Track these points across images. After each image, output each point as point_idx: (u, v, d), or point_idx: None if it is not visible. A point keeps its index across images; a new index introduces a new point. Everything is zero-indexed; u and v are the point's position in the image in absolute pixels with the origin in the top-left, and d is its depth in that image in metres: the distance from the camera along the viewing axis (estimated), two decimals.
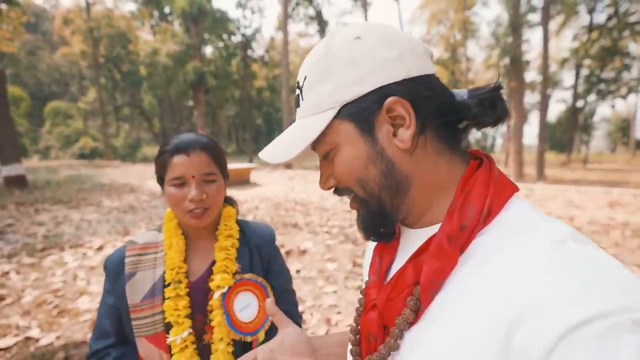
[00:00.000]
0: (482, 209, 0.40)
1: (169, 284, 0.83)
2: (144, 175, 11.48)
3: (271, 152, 0.49)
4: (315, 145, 0.47)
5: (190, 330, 0.82)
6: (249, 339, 0.85)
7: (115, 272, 0.84)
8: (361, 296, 0.52)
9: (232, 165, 8.75)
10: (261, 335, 0.86)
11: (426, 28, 27.53)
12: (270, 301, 0.60)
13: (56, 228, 4.87)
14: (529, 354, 0.30)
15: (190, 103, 27.93)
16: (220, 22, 23.29)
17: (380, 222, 0.46)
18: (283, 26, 17.07)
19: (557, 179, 14.29)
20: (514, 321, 0.32)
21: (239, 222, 0.97)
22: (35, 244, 4.13)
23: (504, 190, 0.42)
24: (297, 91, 0.48)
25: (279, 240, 4.06)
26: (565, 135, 29.07)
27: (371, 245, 0.61)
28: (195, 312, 0.84)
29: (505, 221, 0.40)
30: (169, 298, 0.82)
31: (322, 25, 23.95)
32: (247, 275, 0.88)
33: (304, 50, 29.26)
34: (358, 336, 0.50)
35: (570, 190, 8.13)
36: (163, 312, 0.81)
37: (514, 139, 13.51)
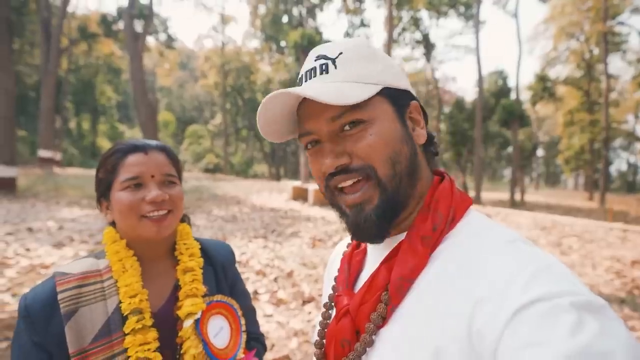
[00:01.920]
0: (448, 215, 0.46)
1: (126, 317, 0.68)
2: (250, 189, 12.79)
3: (318, 91, 0.43)
4: (345, 113, 0.45)
5: None
6: None
7: (44, 315, 0.65)
8: (324, 309, 0.55)
9: None
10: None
11: (552, 44, 24.25)
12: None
13: None
14: (488, 332, 0.35)
15: None
16: None
17: (391, 210, 0.46)
18: (387, 51, 17.31)
19: None
20: (476, 306, 0.37)
21: (196, 240, 0.87)
22: None
23: (463, 201, 0.49)
24: (322, 60, 0.48)
25: None
26: None
27: (335, 257, 0.65)
28: (162, 347, 0.70)
29: (466, 226, 0.46)
30: (130, 332, 0.67)
31: (429, 48, 23.42)
32: (217, 297, 0.79)
33: (408, 74, 28.96)
34: (323, 349, 0.52)
35: None
36: (125, 350, 0.66)
37: None
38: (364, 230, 0.46)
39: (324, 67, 0.48)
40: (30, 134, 20.74)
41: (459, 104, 21.53)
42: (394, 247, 0.47)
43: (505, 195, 23.00)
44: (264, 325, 2.75)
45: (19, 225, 5.12)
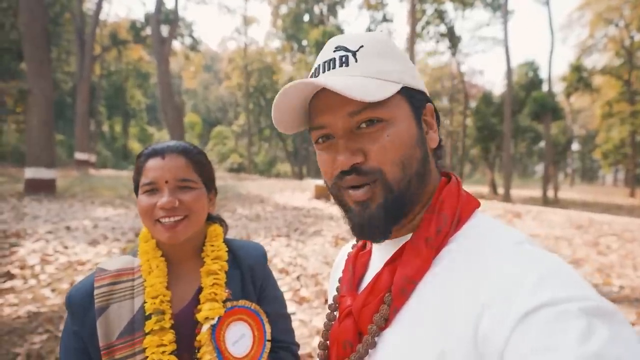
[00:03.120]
0: (454, 217, 0.45)
1: (149, 316, 0.69)
2: (273, 188, 12.94)
3: (348, 85, 0.42)
4: (364, 109, 0.43)
5: None
6: None
7: (83, 308, 0.70)
8: (329, 311, 0.55)
9: None
10: None
11: (588, 31, 22.92)
12: None
13: None
14: (494, 336, 0.34)
15: None
16: None
17: (396, 211, 0.45)
18: (410, 46, 16.96)
19: None
20: (482, 310, 0.36)
21: (226, 242, 0.85)
22: None
23: (470, 203, 0.48)
24: (342, 52, 0.47)
25: None
26: None
27: (341, 259, 0.64)
28: (180, 350, 0.71)
29: (471, 229, 0.45)
30: (150, 332, 0.68)
31: (455, 41, 22.75)
32: (239, 303, 0.77)
33: (432, 68, 28.27)
34: (327, 351, 0.52)
35: None
36: (144, 350, 0.68)
37: None
38: (368, 228, 0.46)
39: (343, 59, 0.46)
40: (67, 138, 21.98)
41: (486, 97, 20.78)
42: (399, 248, 0.47)
43: (537, 193, 22.01)
44: None
45: (58, 224, 5.44)
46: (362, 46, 0.46)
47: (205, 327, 0.71)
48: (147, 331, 0.69)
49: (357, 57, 0.46)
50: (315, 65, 0.49)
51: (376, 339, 0.44)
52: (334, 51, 0.47)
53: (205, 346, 0.71)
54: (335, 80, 0.43)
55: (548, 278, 0.35)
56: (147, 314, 0.70)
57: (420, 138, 0.47)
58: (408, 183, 0.45)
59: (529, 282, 0.35)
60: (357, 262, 0.54)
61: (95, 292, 0.70)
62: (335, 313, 0.54)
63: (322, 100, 0.46)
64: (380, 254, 0.52)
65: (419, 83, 0.49)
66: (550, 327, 0.31)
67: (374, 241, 0.49)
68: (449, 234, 0.45)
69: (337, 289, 0.56)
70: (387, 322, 0.44)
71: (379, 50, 0.47)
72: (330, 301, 0.57)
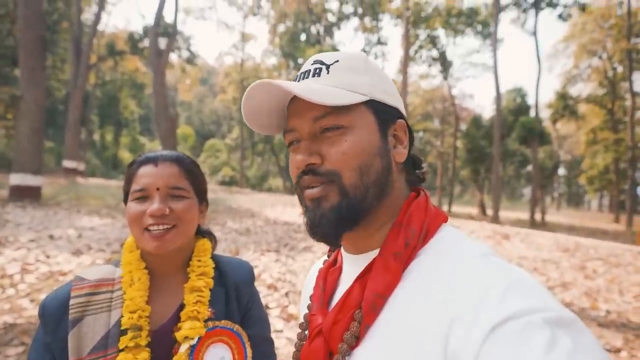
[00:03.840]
0: (421, 230, 0.46)
1: (125, 331, 0.65)
2: (264, 202, 12.86)
3: (310, 90, 0.45)
4: (327, 115, 0.46)
5: None
6: None
7: (56, 318, 0.66)
8: (300, 330, 0.54)
9: None
10: None
11: (573, 61, 23.89)
12: None
13: None
14: (463, 353, 0.34)
15: None
16: None
17: (348, 217, 0.45)
18: (403, 69, 17.41)
19: None
20: (450, 324, 0.36)
21: (213, 258, 0.81)
22: None
23: (437, 217, 0.49)
24: (318, 65, 0.50)
25: None
26: None
27: (311, 277, 0.63)
28: None
29: (437, 242, 0.46)
30: (124, 349, 0.64)
31: (446, 65, 23.45)
32: (222, 323, 0.73)
33: (425, 91, 28.96)
34: None
35: None
36: None
37: None
38: (319, 227, 0.46)
39: (317, 70, 0.49)
40: (56, 145, 21.67)
41: (476, 121, 21.29)
42: (368, 264, 0.46)
43: (524, 215, 22.31)
44: (275, 341, 2.70)
45: (41, 233, 5.29)
46: (337, 61, 0.49)
47: (184, 347, 0.67)
48: (121, 347, 0.64)
49: (330, 69, 0.49)
50: (295, 76, 0.53)
51: (347, 358, 0.43)
52: (312, 64, 0.50)
53: None
54: (298, 85, 0.45)
55: (512, 290, 0.35)
56: (122, 328, 0.66)
57: (383, 149, 0.47)
58: (365, 191, 0.45)
59: (494, 294, 0.35)
60: (328, 279, 0.53)
61: (71, 302, 0.66)
62: (305, 332, 0.53)
63: (293, 105, 0.49)
64: (351, 269, 0.51)
65: (393, 99, 0.50)
66: (516, 339, 0.32)
67: (325, 243, 0.49)
68: (417, 247, 0.45)
69: (308, 307, 0.54)
70: (357, 340, 0.43)
71: (352, 66, 0.49)
72: (301, 319, 0.56)
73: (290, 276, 4.30)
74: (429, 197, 0.52)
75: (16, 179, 7.80)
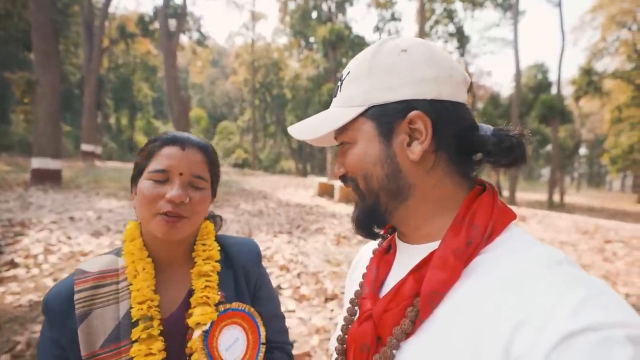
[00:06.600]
0: (486, 229, 0.43)
1: (136, 322, 0.64)
2: (277, 184, 12.94)
3: (298, 129, 0.54)
4: (337, 134, 0.52)
5: None
6: None
7: (62, 314, 0.64)
8: (350, 306, 0.55)
9: None
10: None
11: (600, 34, 22.57)
12: None
13: None
14: (529, 356, 0.32)
15: None
16: (358, 46, 24.69)
17: (371, 219, 0.50)
18: None
19: None
20: (515, 328, 0.34)
21: (218, 239, 0.80)
22: None
23: (504, 216, 0.45)
24: (339, 83, 0.53)
25: None
26: None
27: (360, 258, 0.65)
28: (170, 358, 0.66)
29: (505, 242, 0.43)
30: (137, 340, 0.63)
31: (463, 41, 22.53)
32: (233, 305, 0.72)
33: None
34: (344, 346, 0.51)
35: None
36: (131, 359, 0.63)
37: None
38: (355, 226, 0.52)
39: (338, 89, 0.53)
40: (74, 129, 22.13)
41: (493, 99, 20.60)
42: (425, 257, 0.45)
43: (542, 196, 21.80)
44: (286, 321, 2.75)
45: (62, 215, 5.47)
46: (349, 72, 0.51)
47: (197, 333, 0.67)
48: (133, 339, 0.63)
49: (342, 85, 0.51)
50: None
51: (394, 351, 0.43)
52: (340, 80, 0.54)
53: (197, 353, 0.67)
54: (297, 125, 0.55)
55: (591, 301, 0.32)
56: (133, 320, 0.64)
57: (384, 156, 0.47)
58: (377, 197, 0.49)
59: (569, 303, 0.32)
60: (381, 264, 0.54)
61: (76, 297, 0.64)
62: (356, 308, 0.53)
63: None
64: (405, 259, 0.50)
65: (401, 92, 0.46)
66: (591, 353, 0.29)
67: (364, 237, 0.53)
68: (480, 246, 0.43)
69: (360, 286, 0.55)
70: (408, 335, 0.43)
71: (355, 75, 0.49)
72: (351, 296, 0.56)
73: (302, 257, 4.34)
74: (497, 192, 0.48)
75: (36, 162, 8.04)
